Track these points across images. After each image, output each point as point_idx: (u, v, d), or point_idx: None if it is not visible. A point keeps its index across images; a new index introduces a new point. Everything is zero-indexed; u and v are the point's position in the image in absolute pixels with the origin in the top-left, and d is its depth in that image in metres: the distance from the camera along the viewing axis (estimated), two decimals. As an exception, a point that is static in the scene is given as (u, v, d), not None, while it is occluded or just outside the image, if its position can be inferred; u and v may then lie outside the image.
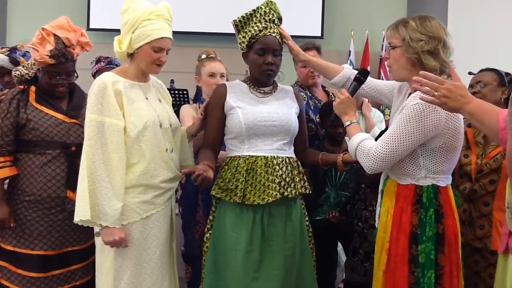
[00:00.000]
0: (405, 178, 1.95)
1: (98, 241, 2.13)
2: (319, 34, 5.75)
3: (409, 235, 1.90)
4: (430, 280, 1.86)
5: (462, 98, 1.66)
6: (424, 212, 1.90)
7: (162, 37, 2.11)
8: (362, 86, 2.18)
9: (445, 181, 1.95)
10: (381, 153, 1.87)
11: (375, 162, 1.89)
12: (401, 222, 1.91)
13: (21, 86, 2.51)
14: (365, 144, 1.94)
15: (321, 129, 2.91)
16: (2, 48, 3.17)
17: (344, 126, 2.07)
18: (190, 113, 2.75)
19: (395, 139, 1.86)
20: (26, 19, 5.61)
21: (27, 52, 3.04)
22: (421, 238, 1.89)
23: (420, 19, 1.91)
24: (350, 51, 5.84)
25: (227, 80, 2.75)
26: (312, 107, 2.98)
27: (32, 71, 2.53)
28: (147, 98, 2.18)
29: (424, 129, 1.83)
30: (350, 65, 5.74)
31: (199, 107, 2.53)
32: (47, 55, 2.38)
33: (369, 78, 2.21)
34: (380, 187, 2.09)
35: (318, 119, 2.95)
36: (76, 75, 2.53)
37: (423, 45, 1.87)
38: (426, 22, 1.90)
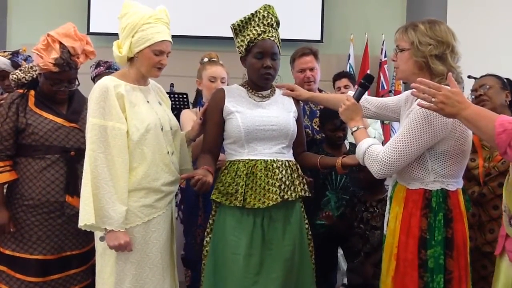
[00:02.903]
0: (414, 183, 1.94)
1: (99, 245, 2.11)
2: (318, 38, 5.75)
3: (418, 240, 1.89)
4: (439, 285, 1.85)
5: (459, 104, 1.67)
6: (433, 217, 1.89)
7: (163, 40, 2.11)
8: (368, 106, 2.22)
9: (454, 185, 1.94)
10: (389, 157, 1.87)
11: (384, 167, 1.88)
12: (410, 226, 1.90)
13: (21, 90, 2.50)
14: (373, 149, 1.93)
15: (320, 133, 2.91)
16: (4, 52, 3.17)
17: (351, 132, 2.06)
18: (191, 117, 2.74)
19: (402, 143, 1.85)
20: (26, 22, 5.61)
21: (29, 56, 3.04)
22: (430, 242, 1.88)
23: (429, 23, 1.92)
24: (349, 55, 5.85)
25: (228, 85, 2.75)
26: (308, 112, 2.97)
27: (29, 74, 2.53)
28: (148, 101, 2.18)
29: (431, 132, 1.83)
30: (349, 69, 5.76)
31: (200, 111, 2.53)
32: (51, 63, 2.35)
33: (372, 97, 2.25)
34: (389, 194, 2.08)
35: (314, 125, 2.94)
36: (77, 82, 2.52)
37: (432, 50, 1.88)
38: (435, 27, 1.91)
